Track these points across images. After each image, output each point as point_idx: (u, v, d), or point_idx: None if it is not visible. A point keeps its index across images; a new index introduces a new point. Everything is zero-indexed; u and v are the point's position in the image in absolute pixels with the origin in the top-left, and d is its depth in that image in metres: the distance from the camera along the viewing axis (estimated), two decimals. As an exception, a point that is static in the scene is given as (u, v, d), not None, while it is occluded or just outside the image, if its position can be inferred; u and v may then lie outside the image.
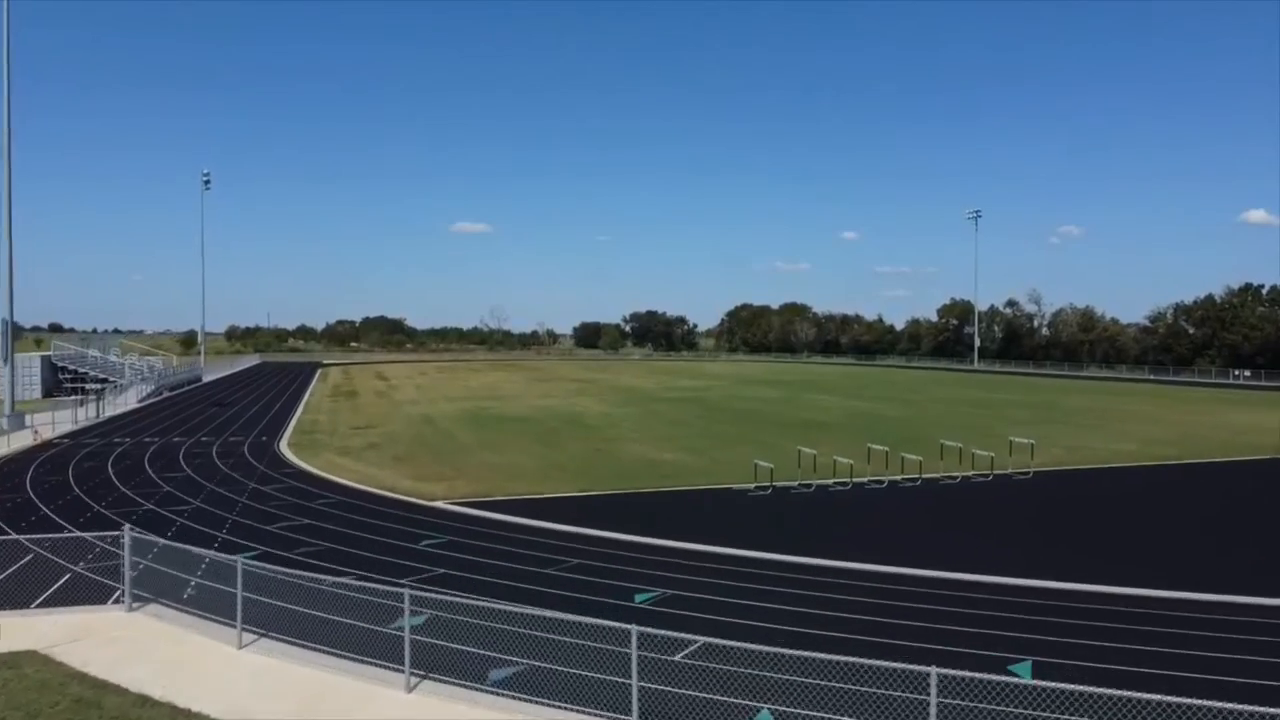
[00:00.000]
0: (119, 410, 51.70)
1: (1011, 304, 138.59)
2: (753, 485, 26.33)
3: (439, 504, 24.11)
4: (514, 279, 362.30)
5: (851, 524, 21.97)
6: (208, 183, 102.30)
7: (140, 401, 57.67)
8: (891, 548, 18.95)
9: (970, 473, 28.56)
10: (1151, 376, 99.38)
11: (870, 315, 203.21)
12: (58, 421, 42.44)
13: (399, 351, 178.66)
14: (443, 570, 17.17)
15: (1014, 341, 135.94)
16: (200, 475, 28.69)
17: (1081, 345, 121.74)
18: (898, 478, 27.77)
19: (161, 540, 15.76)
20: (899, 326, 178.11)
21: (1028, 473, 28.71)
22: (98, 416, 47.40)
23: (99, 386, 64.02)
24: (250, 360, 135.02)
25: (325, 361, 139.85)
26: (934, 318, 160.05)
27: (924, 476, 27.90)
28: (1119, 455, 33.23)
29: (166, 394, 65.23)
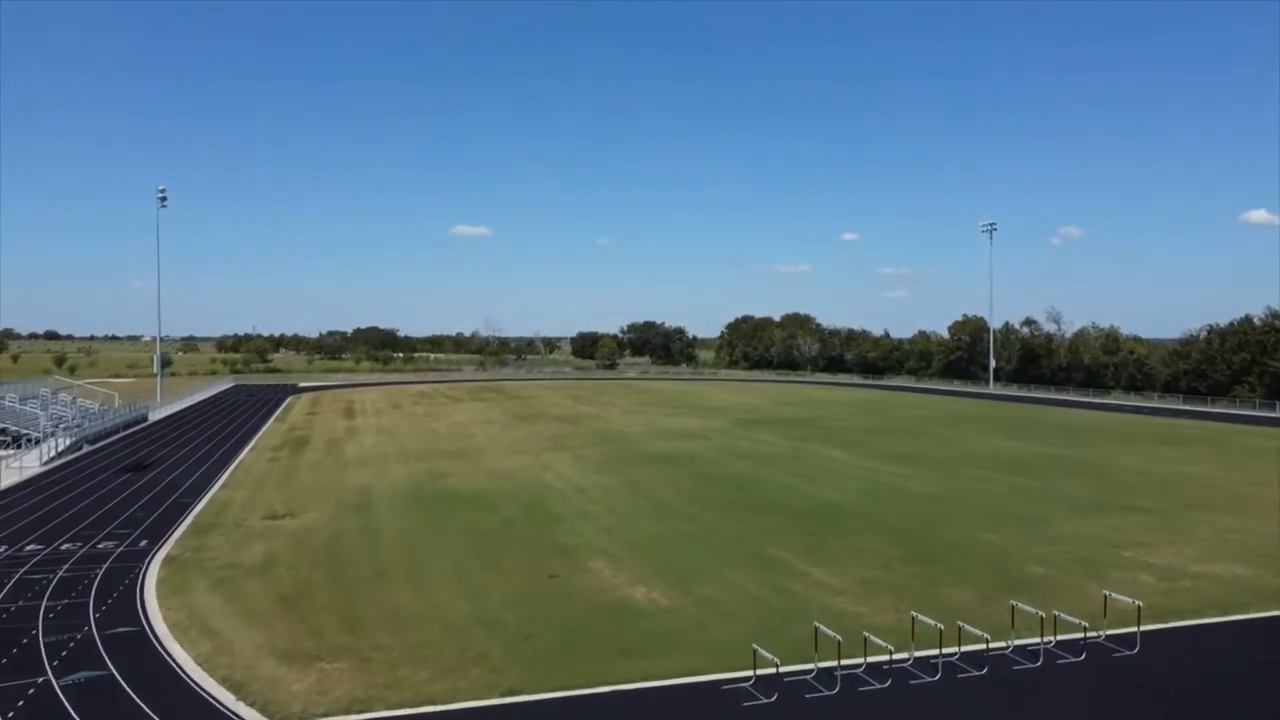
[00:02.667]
0: (7, 481, 43.91)
1: (1029, 323, 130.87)
2: (752, 678, 18.48)
3: (287, 734, 16.30)
4: (513, 283, 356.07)
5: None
6: (164, 199, 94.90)
7: (44, 464, 49.84)
8: None
9: (1052, 639, 20.65)
10: (1187, 407, 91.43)
11: (872, 318, 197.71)
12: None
13: (384, 371, 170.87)
14: None
15: (1031, 362, 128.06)
16: (-7, 645, 20.88)
17: (1105, 368, 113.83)
18: (953, 653, 19.89)
19: None
20: (904, 335, 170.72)
21: (1133, 643, 20.77)
22: (-30, 496, 39.61)
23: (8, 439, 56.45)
24: (221, 385, 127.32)
25: (302, 385, 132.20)
26: (938, 322, 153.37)
27: (991, 647, 20.09)
28: (1232, 590, 25.26)
29: (87, 448, 57.44)
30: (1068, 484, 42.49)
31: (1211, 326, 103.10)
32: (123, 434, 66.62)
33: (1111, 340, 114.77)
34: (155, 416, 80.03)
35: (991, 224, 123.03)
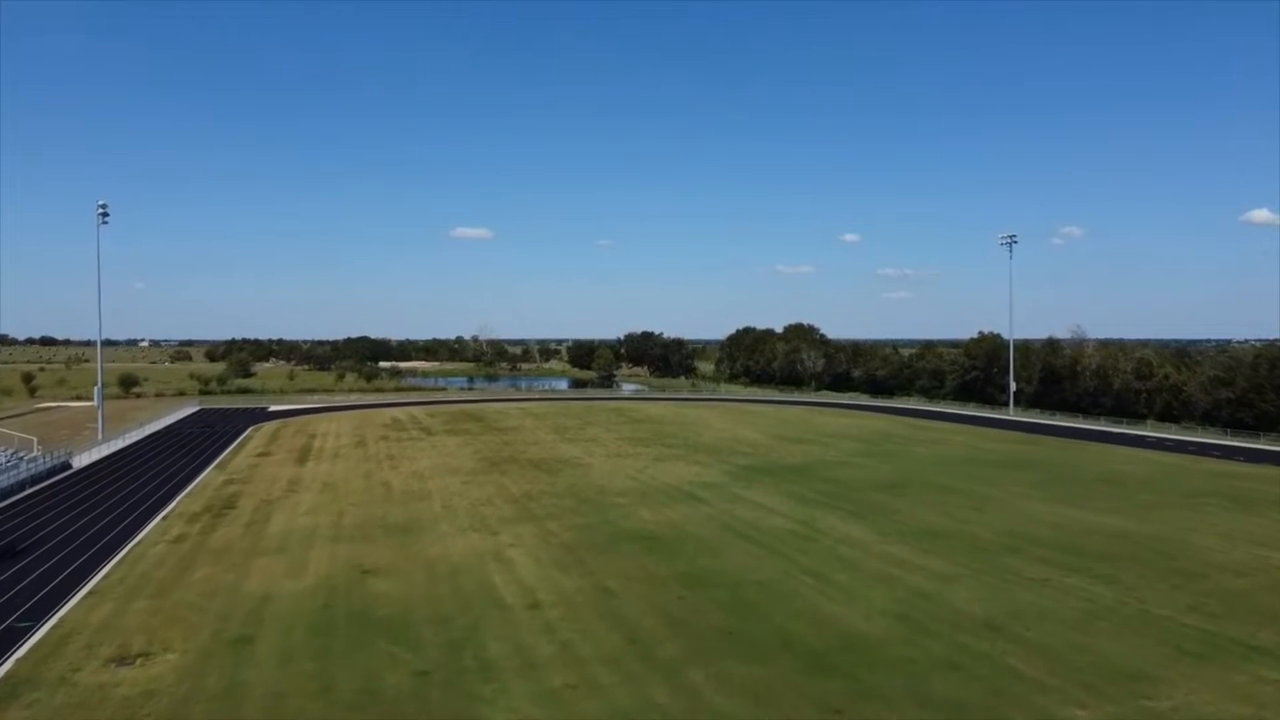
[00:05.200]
0: None
1: (1051, 343, 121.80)
2: None
3: None
4: (514, 285, 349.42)
5: None
6: (105, 216, 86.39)
7: (-106, 550, 41.06)
8: None
9: None
10: (1237, 443, 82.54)
11: (874, 321, 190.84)
12: None
13: (365, 390, 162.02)
14: None
15: (1054, 384, 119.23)
16: None
17: (1138, 395, 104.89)
18: None
19: None
20: (907, 336, 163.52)
21: None
22: None
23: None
24: (184, 410, 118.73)
25: (271, 408, 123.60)
26: (941, 325, 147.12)
27: None
28: None
29: (-33, 519, 48.67)
30: (1154, 592, 33.59)
31: (1260, 352, 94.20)
32: (30, 490, 57.87)
33: (1145, 365, 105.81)
34: (85, 460, 71.26)
35: (1011, 236, 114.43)
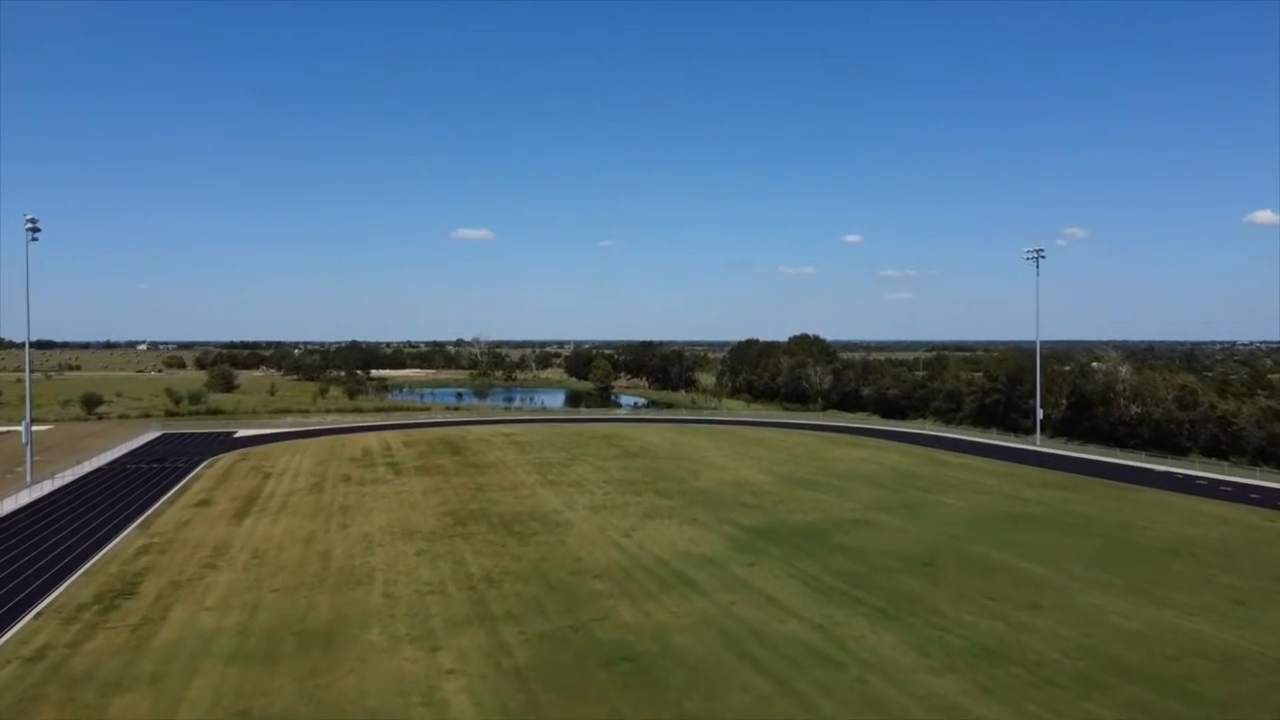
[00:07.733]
0: None
1: (1080, 365, 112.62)
2: None
3: None
4: (515, 287, 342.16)
5: None
6: (35, 232, 77.70)
7: None
8: None
9: None
10: (1303, 490, 73.26)
11: (877, 323, 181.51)
12: None
13: (344, 410, 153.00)
14: None
15: (1084, 410, 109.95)
16: None
17: (1180, 426, 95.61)
18: None
19: None
20: (908, 338, 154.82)
21: None
22: None
23: None
24: (142, 437, 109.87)
25: (238, 434, 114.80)
26: (944, 327, 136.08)
27: None
28: None
29: None
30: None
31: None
32: (-96, 563, 48.88)
33: (1188, 394, 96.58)
34: (-6, 513, 62.33)
35: (1038, 251, 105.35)
